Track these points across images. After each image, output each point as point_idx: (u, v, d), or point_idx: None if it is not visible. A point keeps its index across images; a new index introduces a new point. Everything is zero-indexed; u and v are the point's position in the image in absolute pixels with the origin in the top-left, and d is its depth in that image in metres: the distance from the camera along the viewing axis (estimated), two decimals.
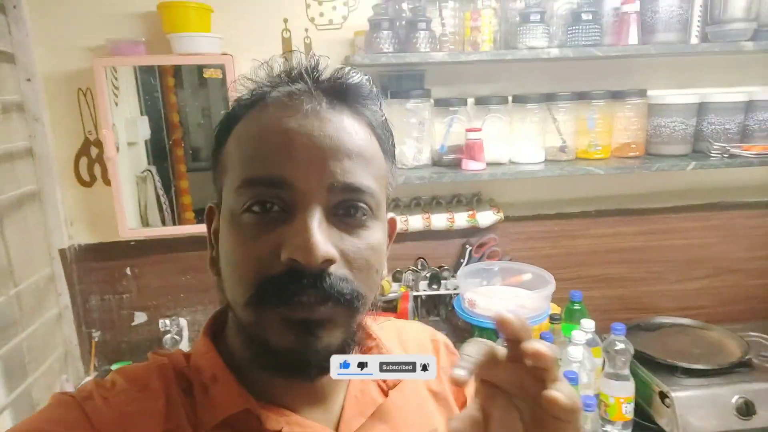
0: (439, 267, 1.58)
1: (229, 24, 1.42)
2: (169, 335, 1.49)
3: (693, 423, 1.26)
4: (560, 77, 1.53)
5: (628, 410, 1.33)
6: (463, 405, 0.65)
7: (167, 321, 1.49)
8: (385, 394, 0.55)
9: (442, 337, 0.70)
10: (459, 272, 1.48)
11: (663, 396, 1.30)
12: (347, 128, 0.47)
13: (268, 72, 0.50)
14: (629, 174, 1.51)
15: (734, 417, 1.26)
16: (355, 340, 0.49)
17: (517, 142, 1.49)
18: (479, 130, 1.41)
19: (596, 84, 1.50)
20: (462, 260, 1.58)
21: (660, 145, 1.50)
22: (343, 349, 0.47)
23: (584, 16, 1.35)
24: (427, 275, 1.56)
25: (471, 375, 0.36)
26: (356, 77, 0.50)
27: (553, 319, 1.44)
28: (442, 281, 1.55)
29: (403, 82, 1.43)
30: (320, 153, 0.45)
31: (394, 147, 0.54)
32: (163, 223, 1.47)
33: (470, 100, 1.49)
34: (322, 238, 0.43)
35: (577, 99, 1.48)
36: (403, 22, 1.37)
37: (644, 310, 1.64)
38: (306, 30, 1.46)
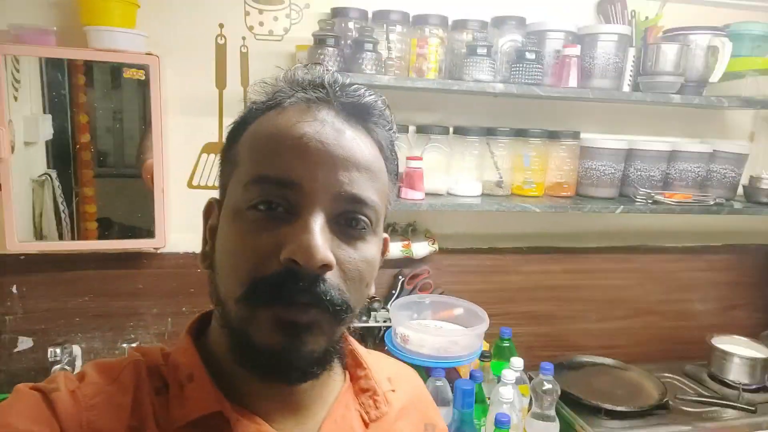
0: (370, 298, 1.51)
1: (157, 23, 1.30)
2: (58, 365, 1.30)
3: None
4: (501, 113, 1.53)
5: None
6: None
7: (57, 349, 1.30)
8: (366, 425, 0.55)
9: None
10: (392, 305, 1.41)
11: None
12: (359, 142, 0.48)
13: (289, 78, 0.51)
14: (561, 213, 1.53)
15: None
16: (336, 350, 0.50)
17: (455, 173, 1.47)
18: (420, 159, 1.37)
19: (534, 122, 1.52)
20: (393, 291, 1.52)
21: (589, 187, 1.54)
22: (325, 357, 0.48)
23: (528, 55, 1.36)
24: None
25: None
26: (372, 96, 0.51)
27: (483, 356, 1.41)
28: (372, 312, 1.48)
29: None
30: (331, 161, 0.46)
31: (398, 168, 0.55)
32: (61, 236, 1.29)
33: (411, 128, 1.45)
34: (323, 243, 0.44)
35: (516, 135, 1.48)
36: (349, 42, 1.32)
37: (567, 348, 1.66)
38: (243, 38, 1.37)
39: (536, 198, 1.49)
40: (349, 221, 0.47)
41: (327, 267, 0.44)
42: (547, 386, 1.31)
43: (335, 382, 0.56)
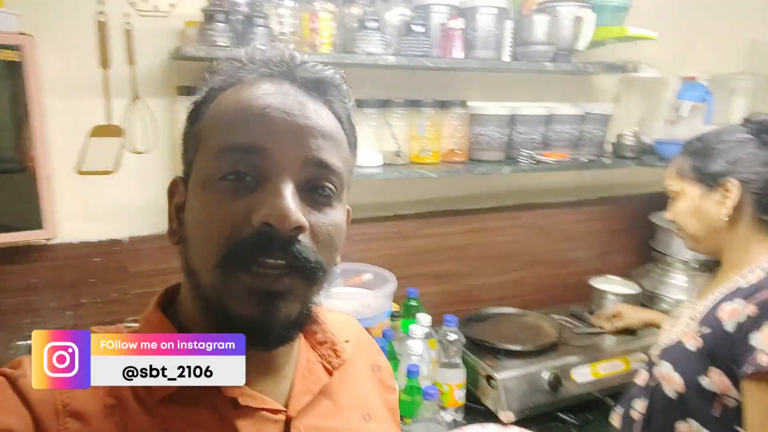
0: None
1: (29, 1, 1.21)
2: None
3: (514, 400, 1.40)
4: (394, 85, 1.60)
5: (460, 396, 1.44)
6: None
7: None
8: (330, 374, 0.59)
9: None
10: None
11: (489, 378, 1.43)
12: (321, 113, 0.51)
13: (248, 56, 0.53)
14: (456, 177, 1.63)
15: (546, 391, 1.43)
16: (309, 315, 0.52)
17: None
18: None
19: (426, 93, 1.60)
20: None
21: (480, 152, 1.65)
22: (299, 320, 0.50)
23: (416, 29, 1.43)
24: None
25: None
26: (330, 71, 0.54)
27: (393, 316, 1.50)
28: None
29: None
30: (298, 129, 0.48)
31: (356, 140, 0.58)
32: None
33: None
34: (295, 206, 0.46)
35: (410, 106, 1.56)
36: (239, 17, 1.31)
37: (470, 302, 1.79)
38: (126, 15, 1.31)
39: (433, 165, 1.58)
40: (316, 188, 0.49)
41: (300, 229, 0.46)
42: (452, 336, 1.42)
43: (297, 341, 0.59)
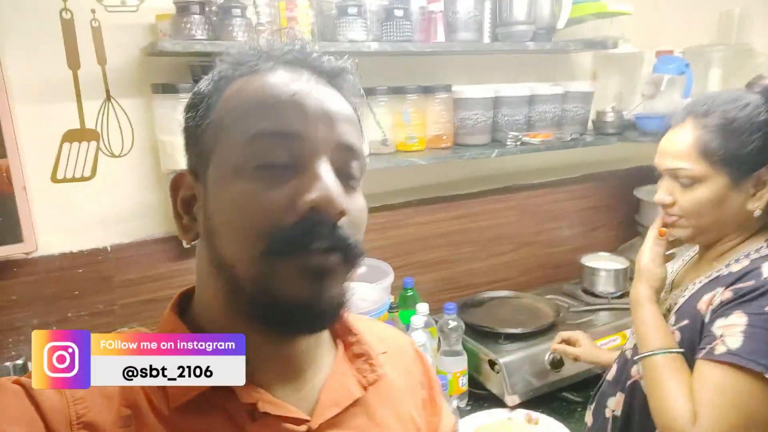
0: None
1: None
2: None
3: (518, 383, 1.40)
4: (376, 72, 1.56)
5: (463, 382, 1.43)
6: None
7: None
8: (365, 389, 0.56)
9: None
10: None
11: (492, 363, 1.43)
12: (342, 100, 0.51)
13: (259, 47, 0.52)
14: (444, 163, 1.61)
15: (549, 371, 1.43)
16: (348, 298, 0.50)
17: None
18: None
19: (408, 80, 1.57)
20: None
21: (466, 136, 1.63)
22: (341, 303, 0.49)
23: (396, 13, 1.40)
24: None
25: None
26: (343, 63, 0.53)
27: (390, 308, 1.48)
28: None
29: None
30: (327, 114, 0.48)
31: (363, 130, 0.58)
32: None
33: None
34: (339, 190, 0.46)
35: (393, 93, 1.53)
36: (214, 8, 1.25)
37: (464, 287, 1.79)
38: (93, 11, 1.24)
39: (420, 152, 1.55)
40: (345, 172, 0.49)
41: (343, 213, 0.46)
42: (452, 324, 1.41)
43: (325, 349, 0.57)
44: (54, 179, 1.27)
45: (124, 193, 1.35)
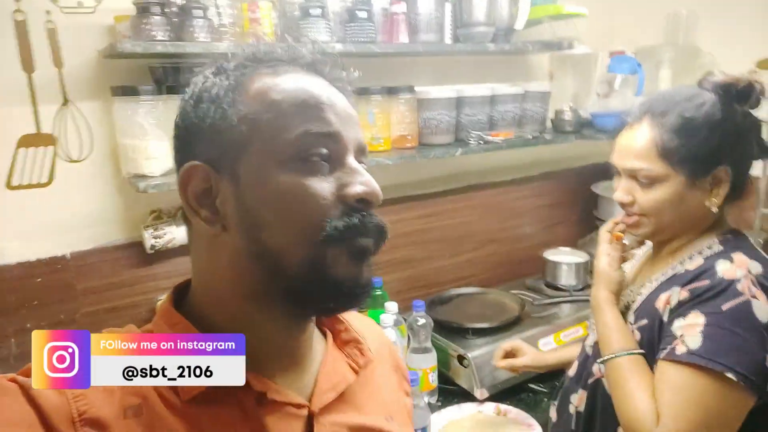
0: None
1: None
2: None
3: (486, 377, 1.43)
4: None
5: (433, 379, 1.45)
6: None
7: None
8: (356, 372, 0.60)
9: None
10: None
11: (461, 358, 1.46)
12: (352, 106, 0.56)
13: (289, 50, 0.56)
14: (409, 163, 1.63)
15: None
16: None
17: None
18: None
19: (372, 81, 1.58)
20: None
21: (430, 136, 1.66)
22: (372, 281, 0.55)
23: (359, 14, 1.41)
24: None
25: None
26: (345, 71, 0.58)
27: (359, 308, 1.48)
28: None
29: (181, 76, 1.29)
30: (351, 116, 0.54)
31: None
32: None
33: None
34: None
35: (358, 94, 1.52)
36: (174, 9, 1.24)
37: (431, 285, 1.81)
38: (48, 12, 1.20)
39: (386, 152, 1.57)
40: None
41: (379, 202, 0.53)
42: (421, 321, 1.43)
43: (316, 339, 0.61)
44: (9, 186, 1.23)
45: (83, 199, 1.31)
